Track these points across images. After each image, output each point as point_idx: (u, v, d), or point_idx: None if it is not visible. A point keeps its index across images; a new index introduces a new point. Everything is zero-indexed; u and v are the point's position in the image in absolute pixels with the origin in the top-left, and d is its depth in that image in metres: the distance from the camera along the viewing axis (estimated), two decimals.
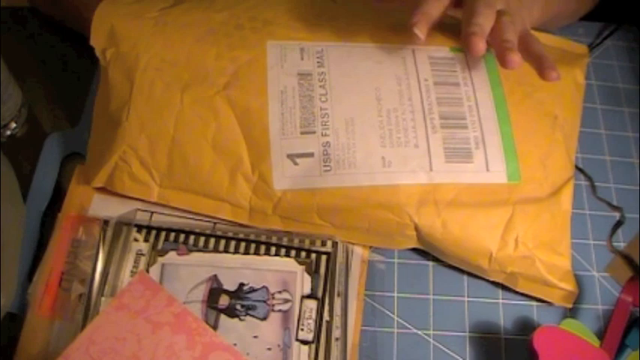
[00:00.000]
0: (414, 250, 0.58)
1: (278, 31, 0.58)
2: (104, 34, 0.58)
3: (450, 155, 0.55)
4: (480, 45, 0.52)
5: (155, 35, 0.57)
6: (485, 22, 0.53)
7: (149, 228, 0.55)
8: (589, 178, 0.63)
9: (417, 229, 0.54)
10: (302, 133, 0.55)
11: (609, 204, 0.62)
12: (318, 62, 0.57)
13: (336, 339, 0.52)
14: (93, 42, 0.58)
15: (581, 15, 0.70)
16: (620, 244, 0.61)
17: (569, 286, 0.56)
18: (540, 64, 0.53)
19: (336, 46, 0.59)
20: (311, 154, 0.54)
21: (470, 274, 0.58)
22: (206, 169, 0.54)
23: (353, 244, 0.56)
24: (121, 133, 0.55)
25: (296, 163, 0.54)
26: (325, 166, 0.54)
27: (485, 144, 0.56)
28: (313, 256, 0.54)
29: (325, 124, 0.55)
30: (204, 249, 0.54)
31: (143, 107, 0.55)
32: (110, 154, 0.55)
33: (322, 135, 0.55)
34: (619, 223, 0.61)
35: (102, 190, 0.56)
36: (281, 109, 0.55)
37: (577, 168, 0.62)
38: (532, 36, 0.55)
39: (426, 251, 0.58)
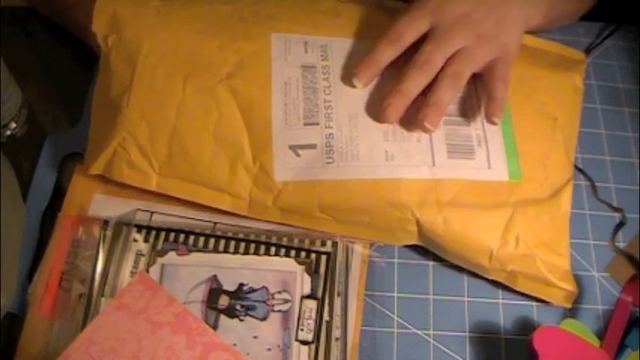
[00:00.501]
0: (415, 249, 0.58)
1: (281, 25, 0.59)
2: (106, 21, 0.57)
3: (452, 151, 0.55)
4: (392, 119, 0.55)
5: (158, 24, 0.57)
6: (413, 86, 0.55)
7: (149, 228, 0.55)
8: (590, 179, 0.63)
9: (418, 224, 0.54)
10: (305, 124, 0.55)
11: (610, 205, 0.62)
12: (322, 56, 0.57)
13: (336, 339, 0.52)
14: (95, 28, 0.57)
15: (580, 15, 0.70)
16: (620, 244, 0.60)
17: (569, 285, 0.56)
18: (488, 105, 0.56)
19: (339, 41, 0.59)
20: (314, 146, 0.54)
21: (470, 274, 0.58)
22: (206, 158, 0.54)
23: (353, 241, 0.56)
24: (121, 120, 0.54)
25: (298, 155, 0.54)
26: (328, 158, 0.54)
27: (487, 142, 0.56)
28: (313, 256, 0.54)
29: (329, 116, 0.55)
30: (204, 249, 0.54)
31: (144, 95, 0.55)
32: (109, 141, 0.54)
33: (326, 127, 0.55)
34: (621, 224, 0.61)
35: (102, 189, 0.56)
36: (284, 99, 0.55)
37: (577, 169, 0.63)
38: (498, 71, 0.56)
39: (426, 251, 0.58)
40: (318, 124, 0.55)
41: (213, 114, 0.54)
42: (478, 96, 0.58)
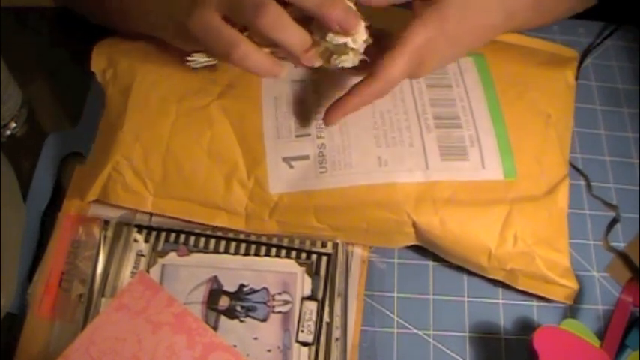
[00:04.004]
0: (414, 249, 0.58)
1: None
2: (104, 60, 0.59)
3: (445, 153, 0.56)
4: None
5: (150, 51, 0.59)
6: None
7: (149, 228, 0.55)
8: (584, 176, 0.63)
9: (415, 226, 0.55)
10: (297, 136, 0.55)
11: (605, 202, 0.62)
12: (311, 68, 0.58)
13: (336, 339, 0.52)
14: (93, 68, 0.59)
15: (577, 11, 0.69)
16: (620, 245, 0.61)
17: (570, 282, 0.56)
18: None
19: None
20: (306, 157, 0.55)
21: (470, 274, 0.58)
22: (201, 176, 0.55)
23: (353, 243, 0.56)
24: (116, 144, 0.55)
25: (291, 167, 0.54)
26: (321, 167, 0.54)
27: (480, 142, 0.57)
28: (314, 257, 0.54)
29: (320, 127, 0.56)
30: (205, 250, 0.54)
31: (138, 118, 0.56)
32: (104, 166, 0.55)
33: (317, 137, 0.55)
34: (614, 222, 0.61)
35: None
36: (275, 114, 0.56)
37: (572, 166, 0.63)
38: None
39: (426, 251, 0.58)
40: (309, 135, 0.55)
41: (206, 132, 0.55)
42: (469, 97, 0.59)
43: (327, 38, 0.49)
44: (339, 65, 0.51)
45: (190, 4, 0.50)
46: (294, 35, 0.49)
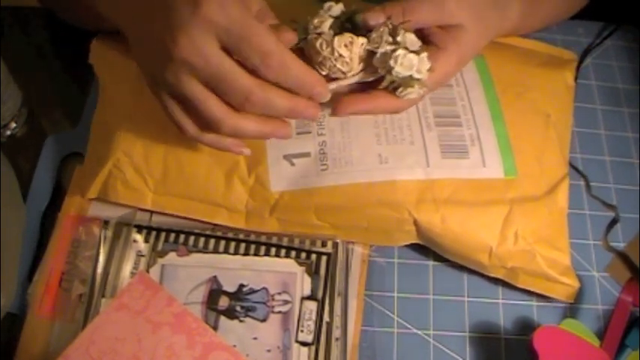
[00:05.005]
0: (414, 249, 0.58)
1: None
2: (102, 52, 0.59)
3: (446, 151, 0.56)
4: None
5: None
6: None
7: (149, 229, 0.55)
8: (583, 176, 0.63)
9: (416, 224, 0.55)
10: (298, 133, 0.55)
11: (604, 202, 0.62)
12: None
13: (336, 339, 0.52)
14: (91, 60, 0.59)
15: (571, 14, 0.69)
16: (620, 245, 0.61)
17: (570, 280, 0.56)
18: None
19: None
20: (307, 154, 0.55)
21: (470, 274, 0.58)
22: (202, 174, 0.55)
23: (353, 243, 0.56)
24: (117, 141, 0.55)
25: (292, 164, 0.54)
26: (322, 165, 0.54)
27: (481, 141, 0.57)
28: (313, 257, 0.54)
29: (321, 124, 0.56)
30: (204, 250, 0.54)
31: (139, 114, 0.56)
32: (104, 163, 0.55)
33: (318, 134, 0.55)
34: (614, 222, 0.61)
35: None
36: None
37: (572, 166, 0.63)
38: None
39: (426, 251, 0.58)
40: (310, 132, 0.56)
41: None
42: (469, 96, 0.59)
43: (393, 72, 0.49)
44: (406, 97, 0.51)
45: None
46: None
